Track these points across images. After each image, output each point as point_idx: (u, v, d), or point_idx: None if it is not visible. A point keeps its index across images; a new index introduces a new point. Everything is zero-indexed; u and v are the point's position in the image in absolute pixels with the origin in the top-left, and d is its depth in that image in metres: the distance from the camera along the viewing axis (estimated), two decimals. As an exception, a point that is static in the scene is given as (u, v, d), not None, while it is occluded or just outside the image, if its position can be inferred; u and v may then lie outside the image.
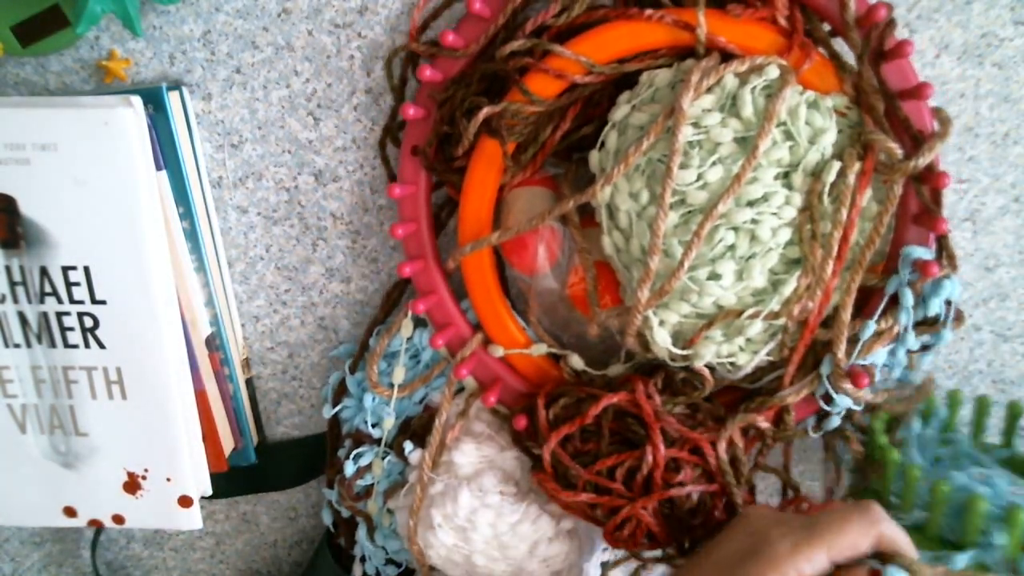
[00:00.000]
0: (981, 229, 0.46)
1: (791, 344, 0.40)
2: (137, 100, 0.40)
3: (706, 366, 0.41)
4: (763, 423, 0.41)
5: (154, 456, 0.45)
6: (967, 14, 0.42)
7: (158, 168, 0.42)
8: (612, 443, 0.40)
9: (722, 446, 0.40)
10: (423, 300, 0.44)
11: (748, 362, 0.40)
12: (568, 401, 0.42)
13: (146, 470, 0.46)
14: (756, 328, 0.38)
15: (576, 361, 0.44)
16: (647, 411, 0.39)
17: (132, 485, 0.46)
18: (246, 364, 0.50)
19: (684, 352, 0.40)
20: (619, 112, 0.39)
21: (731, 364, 0.40)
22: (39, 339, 0.44)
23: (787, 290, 0.38)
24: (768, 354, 0.40)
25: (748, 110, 0.36)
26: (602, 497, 0.39)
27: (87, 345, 0.43)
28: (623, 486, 0.39)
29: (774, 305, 0.38)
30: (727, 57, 0.38)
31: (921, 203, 0.39)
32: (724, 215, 0.36)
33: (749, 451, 0.42)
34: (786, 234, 0.37)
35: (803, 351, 0.40)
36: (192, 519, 0.47)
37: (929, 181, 0.39)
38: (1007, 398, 0.50)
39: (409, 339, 0.46)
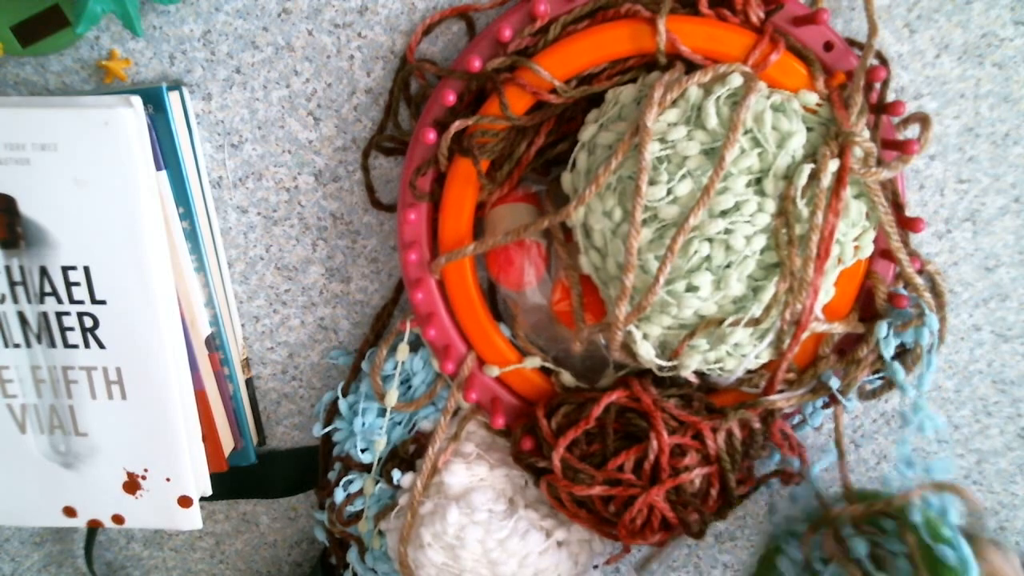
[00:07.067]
0: (981, 229, 0.46)
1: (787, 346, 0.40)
2: (137, 100, 0.40)
3: (696, 372, 0.41)
4: (756, 423, 0.41)
5: (154, 456, 0.45)
6: (967, 14, 0.42)
7: (158, 168, 0.42)
8: (616, 440, 0.40)
9: (721, 435, 0.40)
10: (432, 326, 0.44)
11: (737, 366, 0.40)
12: (568, 408, 0.42)
13: (146, 470, 0.46)
14: (741, 334, 0.38)
15: (567, 379, 0.44)
16: (646, 401, 0.40)
17: (132, 485, 0.46)
18: (246, 364, 0.50)
19: (670, 363, 0.40)
20: (587, 132, 0.39)
21: (720, 369, 0.40)
22: (39, 339, 0.44)
23: (767, 295, 0.37)
24: (758, 357, 0.40)
25: (713, 121, 0.36)
26: (616, 488, 0.40)
27: (87, 345, 0.43)
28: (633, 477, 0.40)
29: (755, 311, 0.38)
30: (693, 67, 0.38)
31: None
32: (697, 227, 0.36)
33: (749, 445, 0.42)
34: (762, 240, 0.37)
35: (791, 354, 0.40)
36: (192, 519, 0.47)
37: (901, 224, 0.40)
38: (1007, 398, 0.50)
39: (402, 363, 0.46)
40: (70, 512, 0.48)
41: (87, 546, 0.54)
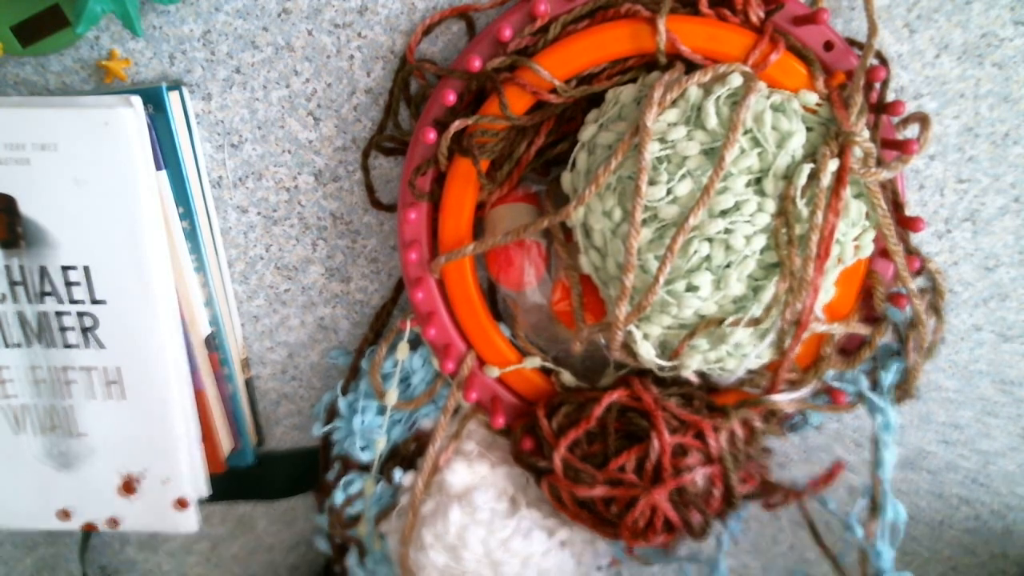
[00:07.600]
0: (981, 229, 0.46)
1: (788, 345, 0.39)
2: (137, 100, 0.40)
3: (697, 372, 0.41)
4: (758, 422, 0.41)
5: (152, 457, 0.45)
6: (967, 14, 0.42)
7: (158, 168, 0.42)
8: (617, 440, 0.40)
9: (723, 434, 0.40)
10: (432, 325, 0.44)
11: (738, 366, 0.40)
12: (569, 408, 0.42)
13: (143, 471, 0.45)
14: (741, 334, 0.38)
15: (568, 378, 0.44)
16: (647, 400, 0.40)
17: (128, 487, 0.46)
18: (245, 364, 0.50)
19: (671, 363, 0.40)
20: (587, 132, 0.39)
21: (721, 369, 0.40)
22: (38, 339, 0.44)
23: (767, 295, 0.37)
24: (759, 356, 0.40)
25: (712, 121, 0.36)
26: (618, 488, 0.39)
27: (86, 345, 0.43)
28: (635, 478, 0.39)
29: (755, 311, 0.38)
30: (693, 67, 0.38)
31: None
32: (696, 227, 0.36)
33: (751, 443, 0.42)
34: (761, 240, 0.37)
35: (792, 354, 0.39)
36: (189, 521, 0.47)
37: (901, 224, 0.40)
38: (1010, 399, 0.50)
39: (401, 361, 0.46)
40: (64, 515, 0.47)
41: (81, 550, 0.54)
